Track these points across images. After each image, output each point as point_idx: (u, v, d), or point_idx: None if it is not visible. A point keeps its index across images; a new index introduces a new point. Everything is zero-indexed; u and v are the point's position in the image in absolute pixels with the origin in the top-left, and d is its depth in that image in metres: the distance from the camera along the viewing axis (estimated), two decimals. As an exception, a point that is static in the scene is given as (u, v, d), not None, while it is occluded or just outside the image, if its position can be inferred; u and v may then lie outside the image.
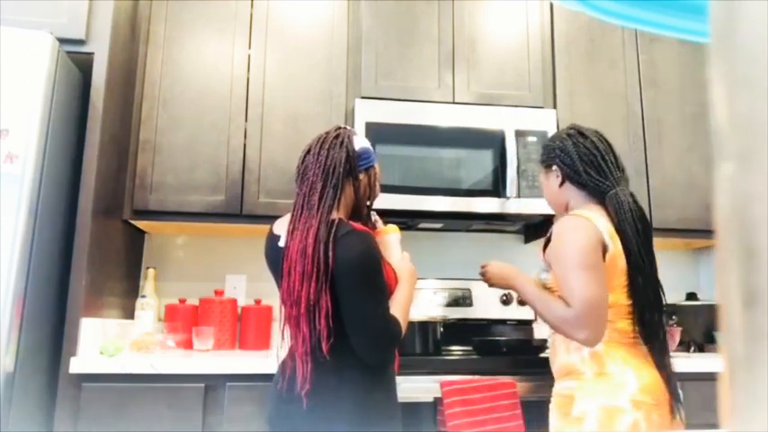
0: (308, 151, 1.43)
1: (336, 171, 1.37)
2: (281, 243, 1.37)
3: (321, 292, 1.26)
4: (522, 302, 1.53)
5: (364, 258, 1.29)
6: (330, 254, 1.26)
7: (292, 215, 1.38)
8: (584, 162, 1.44)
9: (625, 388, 1.28)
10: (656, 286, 1.38)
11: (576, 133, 1.49)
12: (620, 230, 1.36)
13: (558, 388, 1.40)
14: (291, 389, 1.31)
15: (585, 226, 1.35)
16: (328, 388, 1.29)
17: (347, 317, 1.28)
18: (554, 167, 1.51)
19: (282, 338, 1.38)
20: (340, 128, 1.46)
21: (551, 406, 1.41)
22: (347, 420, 1.26)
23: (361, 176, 1.44)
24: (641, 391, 1.27)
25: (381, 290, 1.32)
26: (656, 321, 1.34)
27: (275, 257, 1.39)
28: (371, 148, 1.49)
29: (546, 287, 1.44)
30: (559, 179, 1.50)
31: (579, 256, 1.31)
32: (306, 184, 1.37)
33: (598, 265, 1.31)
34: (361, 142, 1.46)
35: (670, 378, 1.31)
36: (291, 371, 1.32)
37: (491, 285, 1.61)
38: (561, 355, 1.41)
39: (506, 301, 2.40)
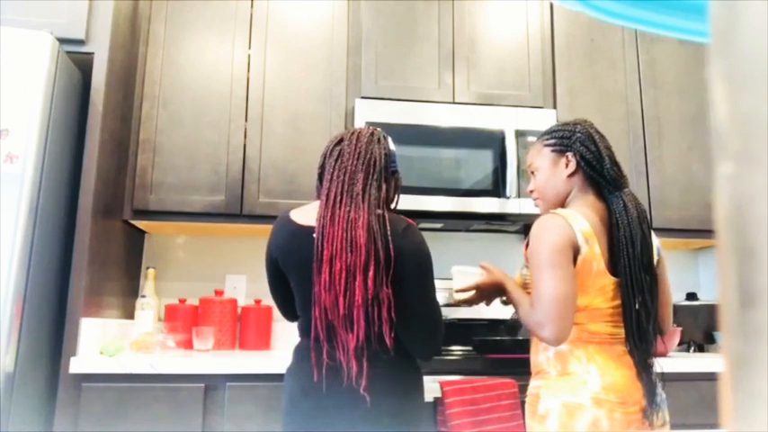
0: (340, 141, 1.38)
1: (378, 166, 1.34)
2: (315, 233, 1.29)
3: (381, 286, 1.23)
4: (505, 302, 1.51)
5: (427, 251, 1.33)
6: (390, 246, 1.24)
7: (326, 200, 1.30)
8: (607, 155, 1.42)
9: (586, 386, 1.27)
10: (651, 288, 1.34)
11: (595, 127, 1.47)
12: (619, 230, 1.34)
13: (529, 387, 1.41)
14: (335, 383, 1.24)
15: (559, 224, 1.32)
16: (383, 384, 1.25)
17: (413, 310, 1.28)
18: (569, 155, 1.43)
19: (317, 331, 1.26)
20: (369, 127, 1.43)
21: (525, 405, 1.41)
22: (400, 417, 1.25)
23: (391, 178, 1.41)
24: (604, 389, 1.26)
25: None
26: (645, 326, 1.32)
27: (302, 249, 1.30)
28: None
29: (526, 283, 1.44)
30: (571, 168, 1.43)
31: (546, 255, 1.29)
32: (343, 171, 1.31)
33: (564, 264, 1.28)
34: (392, 144, 1.44)
35: (649, 382, 1.29)
36: (330, 362, 1.25)
37: (488, 302, 1.60)
38: (532, 354, 1.43)
39: (507, 301, 2.40)
